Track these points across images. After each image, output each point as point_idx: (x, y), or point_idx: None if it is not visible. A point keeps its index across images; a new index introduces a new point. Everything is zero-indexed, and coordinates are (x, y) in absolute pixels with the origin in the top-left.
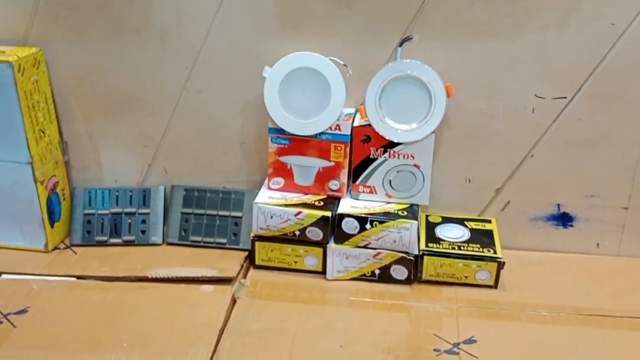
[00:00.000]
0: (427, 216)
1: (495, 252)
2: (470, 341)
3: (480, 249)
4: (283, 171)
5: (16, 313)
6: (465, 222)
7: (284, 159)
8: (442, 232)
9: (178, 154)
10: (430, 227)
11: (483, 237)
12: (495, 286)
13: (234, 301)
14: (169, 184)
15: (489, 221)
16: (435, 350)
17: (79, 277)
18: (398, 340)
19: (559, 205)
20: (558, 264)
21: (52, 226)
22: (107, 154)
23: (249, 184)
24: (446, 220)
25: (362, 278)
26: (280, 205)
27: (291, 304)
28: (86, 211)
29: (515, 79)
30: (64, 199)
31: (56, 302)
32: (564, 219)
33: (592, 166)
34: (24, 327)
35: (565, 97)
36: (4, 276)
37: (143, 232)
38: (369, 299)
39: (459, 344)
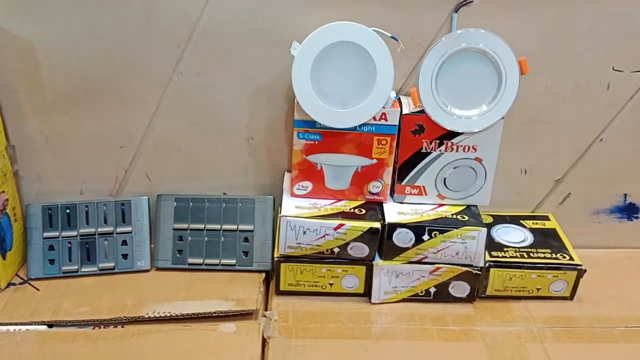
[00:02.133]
0: None
1: (571, 259)
2: None
3: (553, 255)
4: (311, 173)
5: None
6: (522, 221)
7: (313, 157)
8: (501, 236)
9: (164, 155)
10: None
11: (549, 239)
12: (572, 298)
13: (264, 343)
14: (153, 193)
15: (547, 218)
16: None
17: (50, 325)
18: None
19: (625, 195)
20: (625, 264)
21: (3, 257)
22: (69, 159)
23: (256, 189)
24: (498, 219)
25: (414, 299)
26: (314, 218)
27: (337, 340)
28: (46, 234)
29: (591, 50)
30: (15, 221)
31: None
32: (629, 211)
33: None
34: None
35: None
36: None
37: (124, 256)
38: (430, 326)
39: None
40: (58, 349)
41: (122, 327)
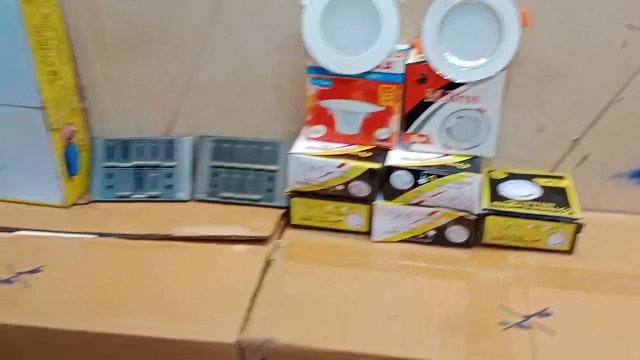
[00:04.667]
0: (489, 172)
1: (572, 212)
2: (543, 314)
3: (555, 208)
4: (324, 118)
5: (30, 272)
6: (535, 179)
7: (325, 103)
8: (508, 189)
9: (205, 101)
10: (494, 184)
11: (557, 196)
12: (571, 252)
13: (268, 263)
14: (196, 134)
15: (563, 177)
16: (501, 323)
17: (98, 235)
18: (457, 312)
19: None
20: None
21: (70, 179)
22: (128, 101)
23: (285, 134)
24: (512, 176)
25: (414, 240)
26: (320, 156)
27: (332, 267)
28: (107, 164)
29: (606, 4)
30: (83, 150)
31: (73, 260)
32: None
33: None
34: (38, 287)
35: None
36: (18, 232)
37: (169, 187)
38: (421, 264)
39: (530, 316)
40: (99, 251)
41: (154, 241)
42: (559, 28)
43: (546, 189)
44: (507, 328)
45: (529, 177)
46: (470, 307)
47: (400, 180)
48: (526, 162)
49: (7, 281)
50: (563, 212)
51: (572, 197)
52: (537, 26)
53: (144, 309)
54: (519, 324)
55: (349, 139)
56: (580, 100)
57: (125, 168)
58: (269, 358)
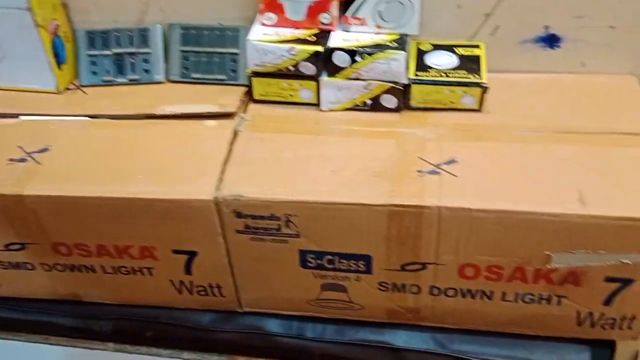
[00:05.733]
0: (417, 44)
1: (480, 77)
2: (451, 162)
3: (467, 75)
4: (274, 6)
5: (39, 151)
6: (455, 49)
7: None
8: (431, 59)
9: None
10: (421, 54)
11: (470, 64)
12: (480, 110)
13: (235, 134)
14: (166, 22)
15: (478, 46)
16: (418, 171)
17: (92, 117)
18: (385, 164)
19: (546, 27)
20: (544, 85)
21: (59, 68)
22: None
23: (244, 20)
24: (437, 47)
25: (355, 108)
26: (273, 42)
27: (288, 134)
28: (90, 52)
29: None
30: (67, 42)
31: (74, 140)
32: (551, 41)
33: None
34: (48, 164)
35: None
36: (22, 117)
37: (146, 71)
38: (360, 128)
39: (440, 164)
40: (95, 131)
41: (140, 120)
42: None
43: (463, 57)
44: (422, 175)
45: (450, 48)
46: (395, 160)
47: (339, 59)
48: (450, 34)
49: (22, 160)
50: (472, 78)
51: (483, 64)
52: None
53: (137, 177)
54: (431, 171)
55: (297, 25)
56: None
57: (106, 56)
58: (240, 210)
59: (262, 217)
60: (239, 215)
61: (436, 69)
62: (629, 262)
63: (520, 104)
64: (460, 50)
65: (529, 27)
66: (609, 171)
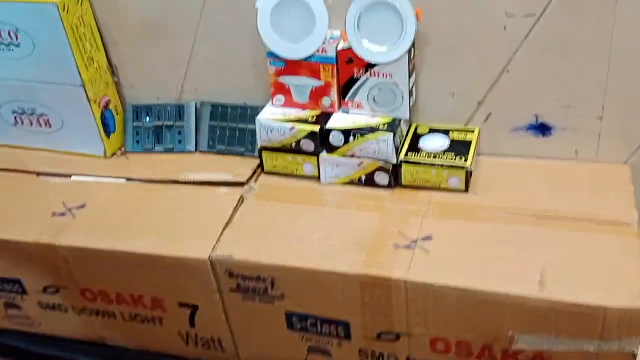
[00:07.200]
0: (416, 127)
1: (465, 161)
2: (427, 238)
3: (453, 158)
4: (283, 90)
5: (77, 207)
6: (450, 133)
7: (282, 79)
8: (425, 142)
9: (204, 75)
10: (416, 137)
11: (460, 147)
12: (466, 191)
13: (242, 201)
14: (199, 100)
15: (472, 131)
16: (394, 245)
17: (128, 179)
18: (367, 236)
19: (537, 116)
20: (536, 170)
21: (108, 137)
22: (148, 75)
23: (265, 101)
24: (433, 131)
25: (352, 183)
26: (278, 121)
27: (288, 204)
28: (135, 124)
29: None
30: (117, 114)
31: (108, 198)
32: (542, 129)
33: (566, 78)
34: (82, 218)
35: (534, 15)
36: (74, 178)
37: (180, 141)
38: (353, 201)
39: (417, 240)
40: (128, 192)
41: (165, 184)
42: (453, 14)
43: (454, 141)
44: (397, 249)
45: (446, 132)
46: (377, 233)
47: (335, 138)
48: (447, 119)
49: (62, 214)
50: (458, 161)
51: (472, 148)
52: (438, 12)
53: (149, 233)
54: (407, 246)
55: (302, 106)
56: (478, 70)
57: (148, 127)
58: (232, 269)
59: (251, 278)
60: (231, 275)
61: (426, 151)
62: (591, 349)
63: (507, 186)
64: (454, 135)
65: (520, 116)
66: (577, 256)
